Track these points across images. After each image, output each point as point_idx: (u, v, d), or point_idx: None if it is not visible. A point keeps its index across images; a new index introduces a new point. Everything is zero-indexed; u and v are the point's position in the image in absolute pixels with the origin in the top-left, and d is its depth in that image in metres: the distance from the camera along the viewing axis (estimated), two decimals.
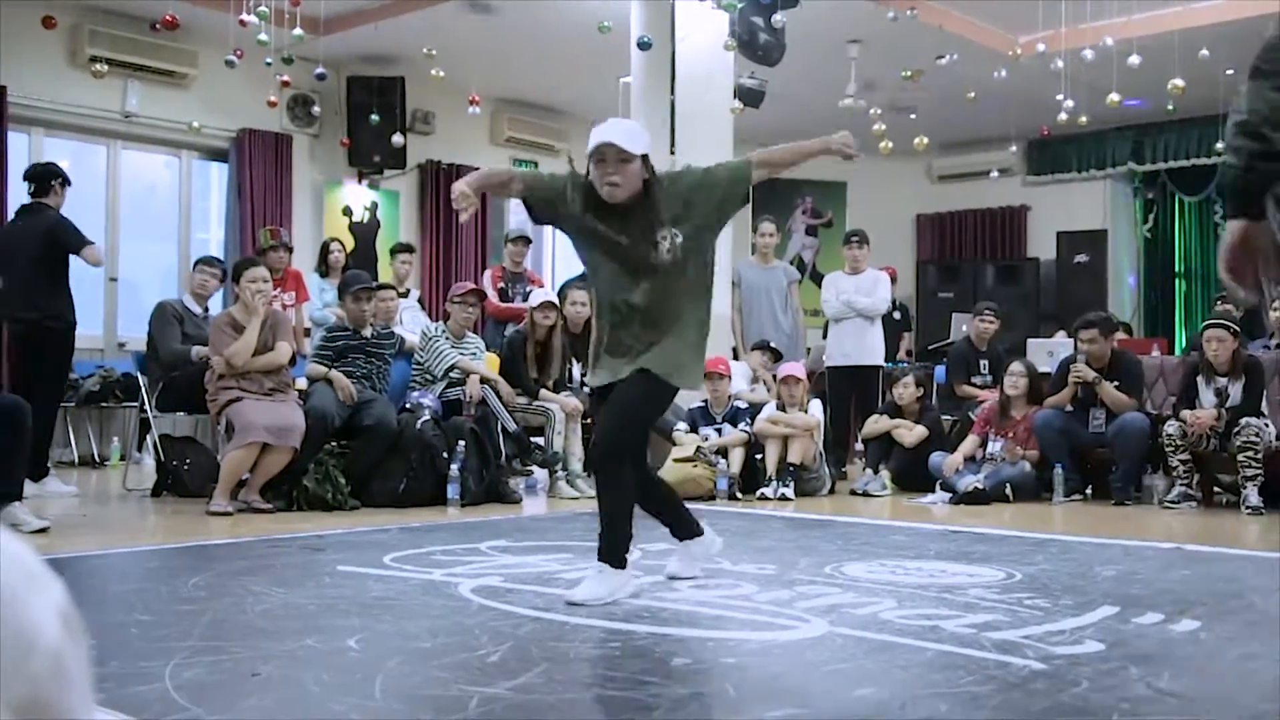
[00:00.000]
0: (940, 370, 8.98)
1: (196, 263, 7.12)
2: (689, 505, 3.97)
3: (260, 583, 3.62)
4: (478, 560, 4.21)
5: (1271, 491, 6.39)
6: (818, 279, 9.02)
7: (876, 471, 7.51)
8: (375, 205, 10.65)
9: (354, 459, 6.18)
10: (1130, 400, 7.03)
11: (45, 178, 6.78)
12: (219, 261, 7.10)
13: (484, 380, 6.89)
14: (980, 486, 6.86)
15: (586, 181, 3.44)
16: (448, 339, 7.06)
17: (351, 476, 6.10)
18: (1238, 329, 6.83)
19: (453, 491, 6.25)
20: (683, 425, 7.31)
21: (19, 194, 8.85)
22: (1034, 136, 11.86)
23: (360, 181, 10.53)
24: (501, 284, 8.63)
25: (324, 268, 8.37)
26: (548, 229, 12.09)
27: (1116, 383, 7.05)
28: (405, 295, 8.49)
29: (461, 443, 6.39)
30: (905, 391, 7.65)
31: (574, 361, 7.57)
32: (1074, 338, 7.45)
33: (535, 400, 7.11)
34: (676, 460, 6.97)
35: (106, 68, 8.19)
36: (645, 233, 3.42)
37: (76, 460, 8.70)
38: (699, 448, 7.05)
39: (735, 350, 8.45)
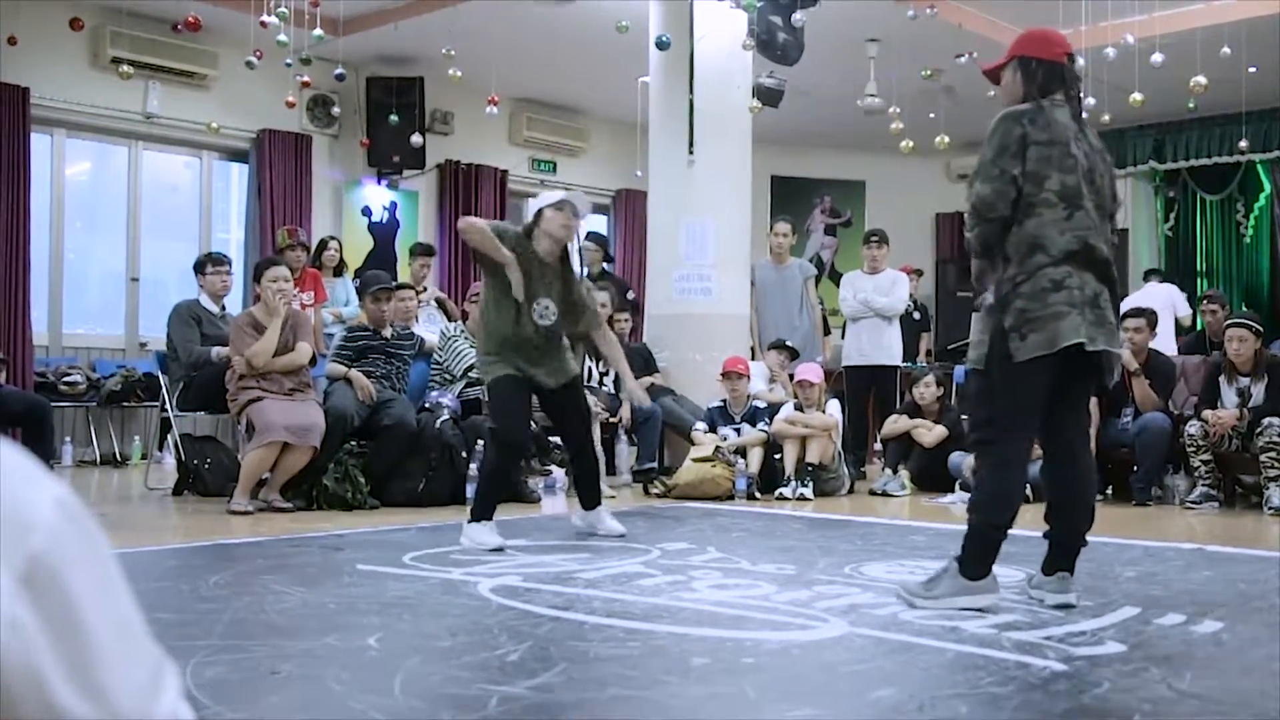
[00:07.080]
0: (960, 370, 8.94)
1: (204, 261, 6.86)
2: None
3: (280, 581, 3.64)
4: (497, 559, 4.22)
5: None
6: (836, 278, 9.00)
7: (896, 471, 7.48)
8: (394, 205, 10.68)
9: (373, 458, 6.19)
10: (1159, 400, 6.97)
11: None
12: (227, 259, 7.05)
13: None
14: None
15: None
16: (467, 339, 7.07)
17: (371, 476, 6.11)
18: (1261, 328, 6.78)
19: (472, 491, 6.23)
20: (701, 425, 7.31)
21: (42, 195, 8.96)
22: None
23: (379, 181, 10.56)
24: None
25: (318, 264, 8.38)
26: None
27: (1149, 380, 6.99)
28: (422, 293, 8.46)
29: (481, 442, 6.40)
30: (925, 391, 7.62)
31: (596, 361, 7.58)
32: None
33: None
34: (695, 460, 6.96)
35: (131, 69, 8.22)
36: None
37: (98, 459, 8.74)
38: (718, 447, 7.03)
39: (753, 350, 8.43)
